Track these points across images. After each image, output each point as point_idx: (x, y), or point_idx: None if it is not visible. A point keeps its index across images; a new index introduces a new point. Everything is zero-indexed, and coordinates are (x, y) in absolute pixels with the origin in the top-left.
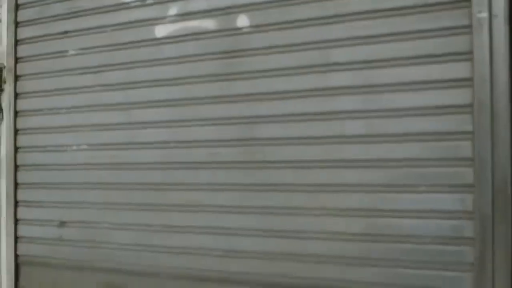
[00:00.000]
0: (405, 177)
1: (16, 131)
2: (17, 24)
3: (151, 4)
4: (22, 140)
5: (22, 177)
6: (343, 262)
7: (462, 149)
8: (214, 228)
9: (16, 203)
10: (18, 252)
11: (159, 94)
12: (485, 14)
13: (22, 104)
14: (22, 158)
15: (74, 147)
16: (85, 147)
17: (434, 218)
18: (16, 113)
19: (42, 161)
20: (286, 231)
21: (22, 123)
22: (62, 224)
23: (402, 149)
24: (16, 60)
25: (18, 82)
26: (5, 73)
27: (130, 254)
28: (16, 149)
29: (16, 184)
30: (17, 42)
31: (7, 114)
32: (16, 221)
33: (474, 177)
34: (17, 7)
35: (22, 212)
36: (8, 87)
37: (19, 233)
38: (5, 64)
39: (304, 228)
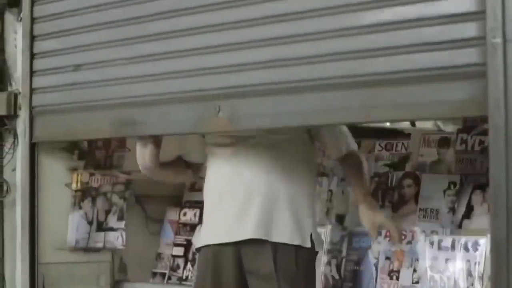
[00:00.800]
0: None
1: None
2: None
3: None
4: None
5: (37, 31)
6: (353, 57)
7: None
8: (223, 45)
9: (32, 56)
10: (32, 104)
11: None
12: (499, 40)
13: None
14: (38, 10)
15: None
16: None
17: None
18: None
19: (57, 10)
20: (293, 35)
21: None
22: (77, 67)
23: None
24: None
25: None
26: None
27: (141, 86)
28: (32, 3)
29: (32, 37)
30: None
31: None
32: (31, 73)
33: None
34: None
35: (38, 64)
36: None
37: (34, 85)
38: None
39: (313, 30)
